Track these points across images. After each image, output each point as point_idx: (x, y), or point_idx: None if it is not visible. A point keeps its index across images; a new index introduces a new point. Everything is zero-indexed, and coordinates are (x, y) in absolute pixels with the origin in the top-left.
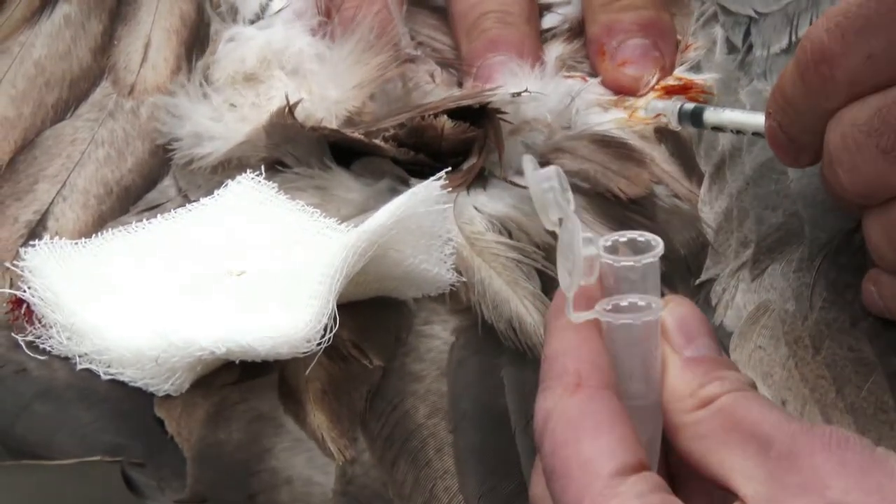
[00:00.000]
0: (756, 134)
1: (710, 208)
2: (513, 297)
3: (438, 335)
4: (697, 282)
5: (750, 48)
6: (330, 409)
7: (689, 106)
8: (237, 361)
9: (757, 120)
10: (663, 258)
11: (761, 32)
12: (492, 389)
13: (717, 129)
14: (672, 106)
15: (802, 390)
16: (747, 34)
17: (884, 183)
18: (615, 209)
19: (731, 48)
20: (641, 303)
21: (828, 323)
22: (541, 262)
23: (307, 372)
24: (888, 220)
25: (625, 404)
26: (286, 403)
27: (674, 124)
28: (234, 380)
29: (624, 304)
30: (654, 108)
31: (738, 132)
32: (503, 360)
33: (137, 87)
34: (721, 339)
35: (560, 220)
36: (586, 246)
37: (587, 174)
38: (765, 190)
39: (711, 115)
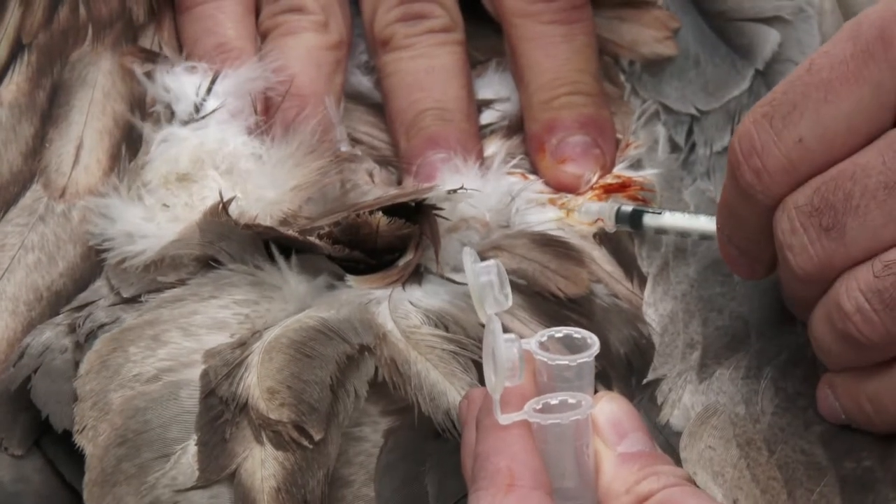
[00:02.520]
0: (704, 237)
1: (654, 310)
2: (450, 389)
3: (368, 437)
4: (645, 381)
5: (693, 147)
6: None
7: (628, 208)
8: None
9: (699, 223)
10: (600, 356)
11: (704, 131)
12: (417, 497)
13: (660, 232)
14: (609, 208)
15: (754, 491)
16: (690, 133)
17: (829, 263)
18: (552, 307)
19: (673, 147)
20: (572, 401)
21: (781, 427)
22: (477, 355)
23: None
24: (829, 305)
25: None
26: None
27: (610, 227)
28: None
29: (555, 402)
30: (589, 210)
31: (684, 235)
32: (426, 466)
33: (69, 189)
34: (668, 438)
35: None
36: (508, 349)
37: (525, 273)
38: (710, 292)
39: (651, 219)
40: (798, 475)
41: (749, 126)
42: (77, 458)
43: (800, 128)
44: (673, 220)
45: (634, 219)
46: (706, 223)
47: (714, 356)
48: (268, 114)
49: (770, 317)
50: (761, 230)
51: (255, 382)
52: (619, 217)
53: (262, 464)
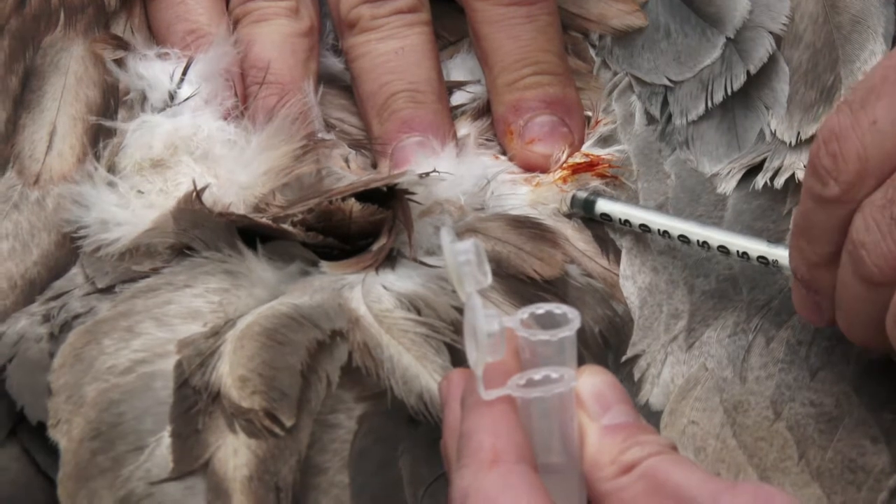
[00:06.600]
0: (643, 227)
1: (632, 283)
2: (422, 372)
3: (343, 424)
4: (624, 359)
5: (669, 118)
6: (255, 498)
7: (582, 194)
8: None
9: (646, 215)
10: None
11: (678, 101)
12: (391, 483)
13: (605, 217)
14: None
15: (739, 459)
16: (665, 104)
17: None
18: (527, 289)
19: (650, 119)
20: (555, 375)
21: (787, 384)
22: (449, 337)
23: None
24: None
25: (547, 478)
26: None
27: (565, 209)
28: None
29: (537, 377)
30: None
31: (626, 222)
32: (400, 450)
33: (43, 176)
34: (646, 417)
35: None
36: (489, 323)
37: (500, 255)
38: (695, 258)
39: (603, 206)
40: (809, 432)
41: (832, 118)
42: (53, 448)
43: (876, 110)
44: (626, 210)
45: (588, 205)
46: (644, 214)
47: (702, 319)
48: (245, 100)
49: (760, 265)
50: (835, 237)
51: (228, 371)
52: (574, 201)
53: (234, 452)
